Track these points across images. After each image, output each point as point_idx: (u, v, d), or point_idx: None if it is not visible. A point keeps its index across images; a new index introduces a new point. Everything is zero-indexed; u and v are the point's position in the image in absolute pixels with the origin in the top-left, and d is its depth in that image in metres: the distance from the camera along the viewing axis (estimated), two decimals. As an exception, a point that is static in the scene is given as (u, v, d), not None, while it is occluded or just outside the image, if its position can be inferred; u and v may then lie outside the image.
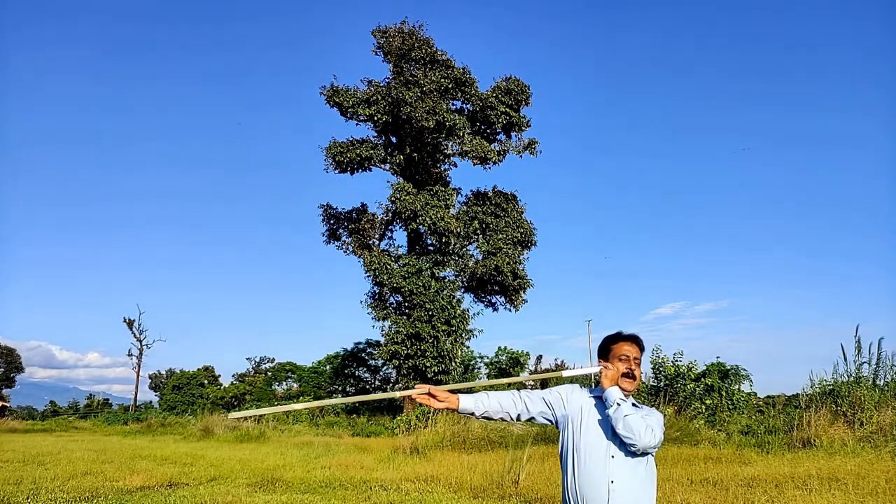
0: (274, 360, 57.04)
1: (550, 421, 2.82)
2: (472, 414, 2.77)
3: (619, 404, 2.58)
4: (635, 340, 2.76)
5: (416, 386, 2.76)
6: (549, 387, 3.19)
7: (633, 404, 2.73)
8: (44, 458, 13.31)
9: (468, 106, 27.05)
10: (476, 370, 42.46)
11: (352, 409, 33.10)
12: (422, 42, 25.59)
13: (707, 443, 12.53)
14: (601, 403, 2.71)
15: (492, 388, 2.94)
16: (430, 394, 2.72)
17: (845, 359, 13.18)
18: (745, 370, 16.43)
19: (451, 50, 32.65)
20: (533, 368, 41.83)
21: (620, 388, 2.70)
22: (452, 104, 26.87)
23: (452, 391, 2.79)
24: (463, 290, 27.48)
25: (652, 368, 16.72)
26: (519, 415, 2.80)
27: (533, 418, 2.82)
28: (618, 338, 2.77)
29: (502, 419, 2.82)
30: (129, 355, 50.23)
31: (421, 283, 25.08)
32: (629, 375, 2.70)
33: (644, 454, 2.61)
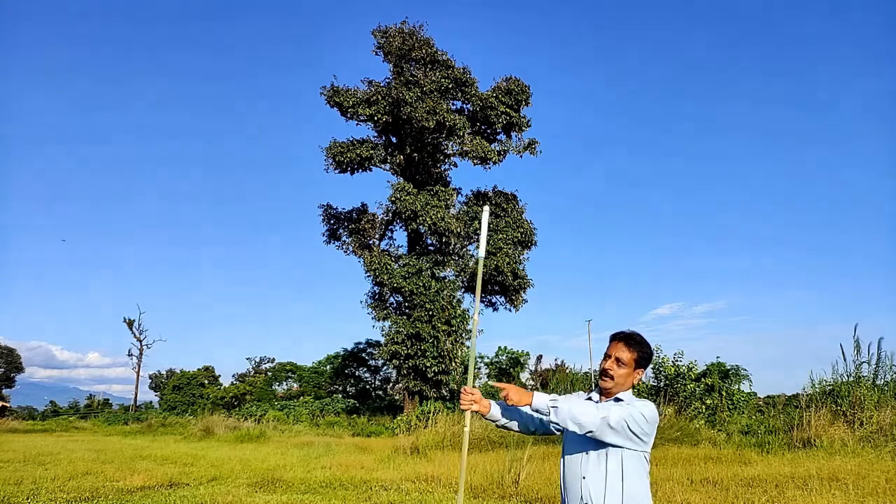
0: (274, 360, 57.02)
1: (560, 430, 2.88)
2: (496, 422, 2.90)
3: (554, 408, 2.52)
4: (622, 339, 2.73)
5: (463, 391, 2.81)
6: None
7: (617, 398, 2.70)
8: (44, 458, 13.31)
9: (468, 106, 27.05)
10: (476, 370, 42.45)
11: (352, 409, 33.07)
12: (422, 42, 25.58)
13: (707, 443, 12.53)
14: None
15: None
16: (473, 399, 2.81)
17: (845, 359, 13.19)
18: (745, 370, 16.43)
19: (451, 50, 32.64)
20: (533, 368, 41.83)
21: (599, 385, 2.74)
22: (452, 104, 26.87)
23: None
24: (463, 290, 27.47)
25: (652, 369, 16.66)
26: (535, 430, 2.92)
27: (548, 431, 2.92)
28: (610, 337, 2.81)
29: (520, 431, 2.94)
30: (129, 355, 50.38)
31: (421, 283, 25.08)
32: (605, 374, 2.71)
33: (616, 446, 2.54)
